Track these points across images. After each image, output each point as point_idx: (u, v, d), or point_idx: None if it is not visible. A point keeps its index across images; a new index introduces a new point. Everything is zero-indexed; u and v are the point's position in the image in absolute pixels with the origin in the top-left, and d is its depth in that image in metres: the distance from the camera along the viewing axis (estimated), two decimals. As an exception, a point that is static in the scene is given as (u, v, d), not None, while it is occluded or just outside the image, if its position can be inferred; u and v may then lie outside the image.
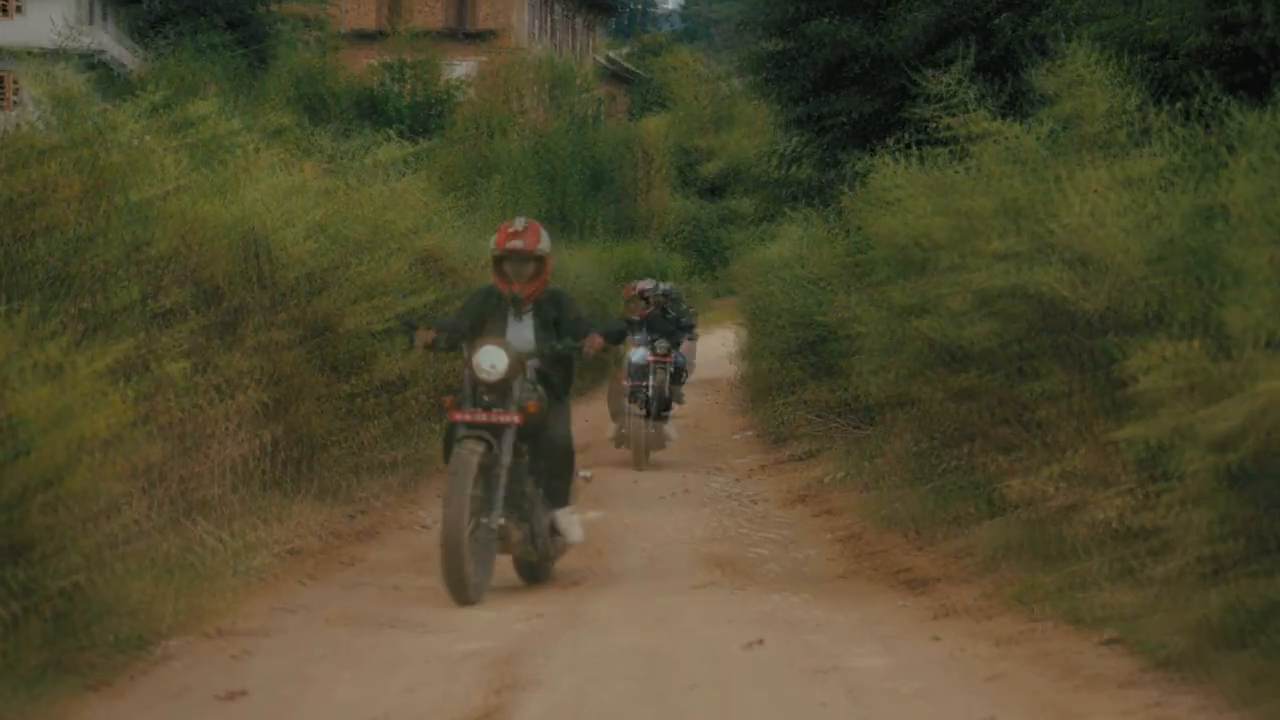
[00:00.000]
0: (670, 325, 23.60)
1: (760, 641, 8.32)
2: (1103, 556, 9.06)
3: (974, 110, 11.71)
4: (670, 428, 22.23)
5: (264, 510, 11.00)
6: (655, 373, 22.38)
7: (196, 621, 8.18)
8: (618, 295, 35.32)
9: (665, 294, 24.70)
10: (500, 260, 11.02)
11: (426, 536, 12.61)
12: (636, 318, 23.47)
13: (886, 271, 13.44)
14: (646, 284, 25.86)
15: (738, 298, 33.28)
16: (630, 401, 22.63)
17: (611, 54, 79.98)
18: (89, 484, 7.21)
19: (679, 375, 23.55)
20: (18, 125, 11.07)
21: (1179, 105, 10.41)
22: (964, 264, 10.86)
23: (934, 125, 12.16)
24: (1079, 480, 9.44)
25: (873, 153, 14.41)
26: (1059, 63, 11.14)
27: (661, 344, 22.81)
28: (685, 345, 25.10)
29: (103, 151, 10.56)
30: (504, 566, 11.08)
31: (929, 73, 12.42)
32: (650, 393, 22.36)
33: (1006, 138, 11.26)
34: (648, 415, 22.12)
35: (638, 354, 22.93)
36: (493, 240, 11.16)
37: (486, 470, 10.21)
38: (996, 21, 20.30)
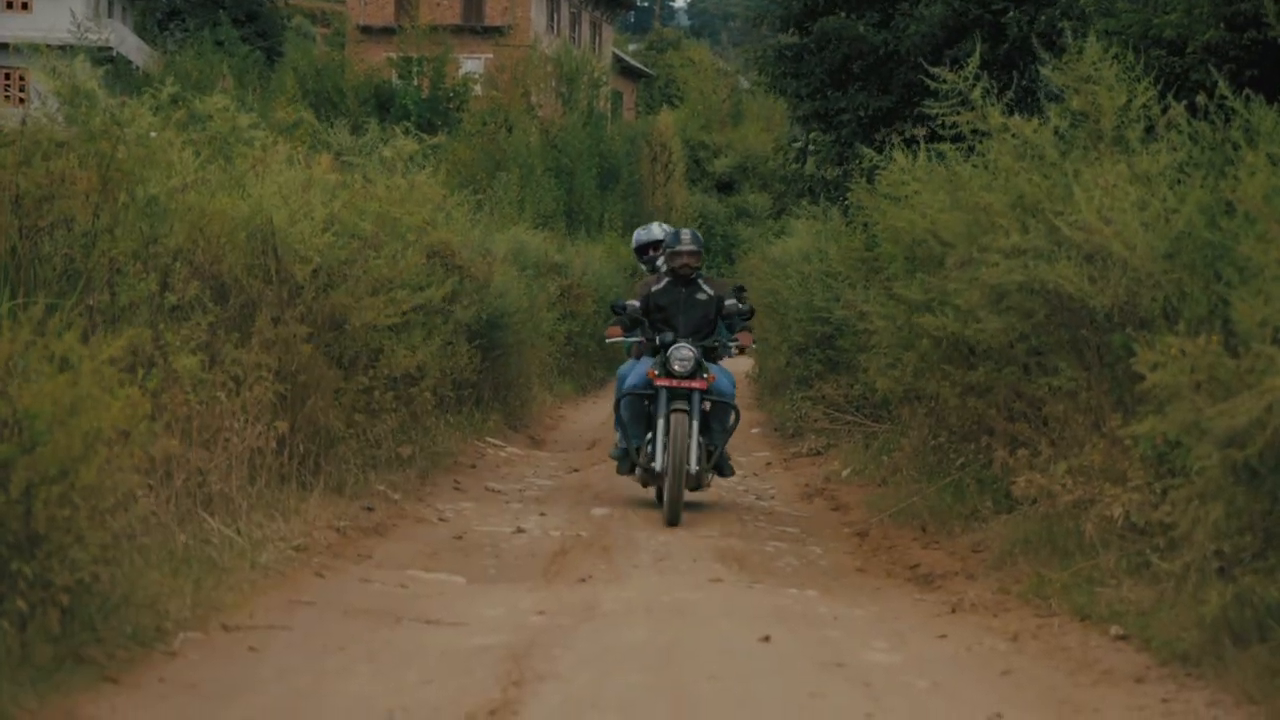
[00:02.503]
0: (705, 311, 13.96)
1: (766, 638, 8.34)
2: (1115, 552, 9.08)
3: (985, 106, 11.73)
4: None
5: (277, 504, 11.01)
6: (670, 417, 13.19)
7: (210, 615, 8.20)
8: (630, 292, 35.18)
9: (696, 249, 13.95)
10: None
11: (441, 530, 12.64)
12: (634, 302, 14.34)
13: (898, 267, 13.46)
14: (654, 230, 16.03)
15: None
16: (620, 470, 14.39)
17: (618, 51, 79.98)
18: (101, 477, 7.22)
19: (720, 418, 13.75)
20: (24, 121, 11.09)
21: (1191, 101, 10.43)
22: (976, 259, 10.88)
23: (945, 121, 12.19)
24: (1091, 475, 9.46)
25: (881, 149, 14.44)
26: (1070, 59, 11.15)
27: (682, 354, 13.29)
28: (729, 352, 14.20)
29: (117, 146, 10.59)
30: (523, 554, 11.08)
31: (940, 69, 12.44)
32: (658, 464, 13.37)
33: (1019, 133, 11.27)
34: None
35: (635, 372, 13.99)
36: None
37: None
38: (1007, 18, 20.36)
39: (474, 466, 17.06)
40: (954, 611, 9.33)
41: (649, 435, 13.64)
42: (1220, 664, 7.26)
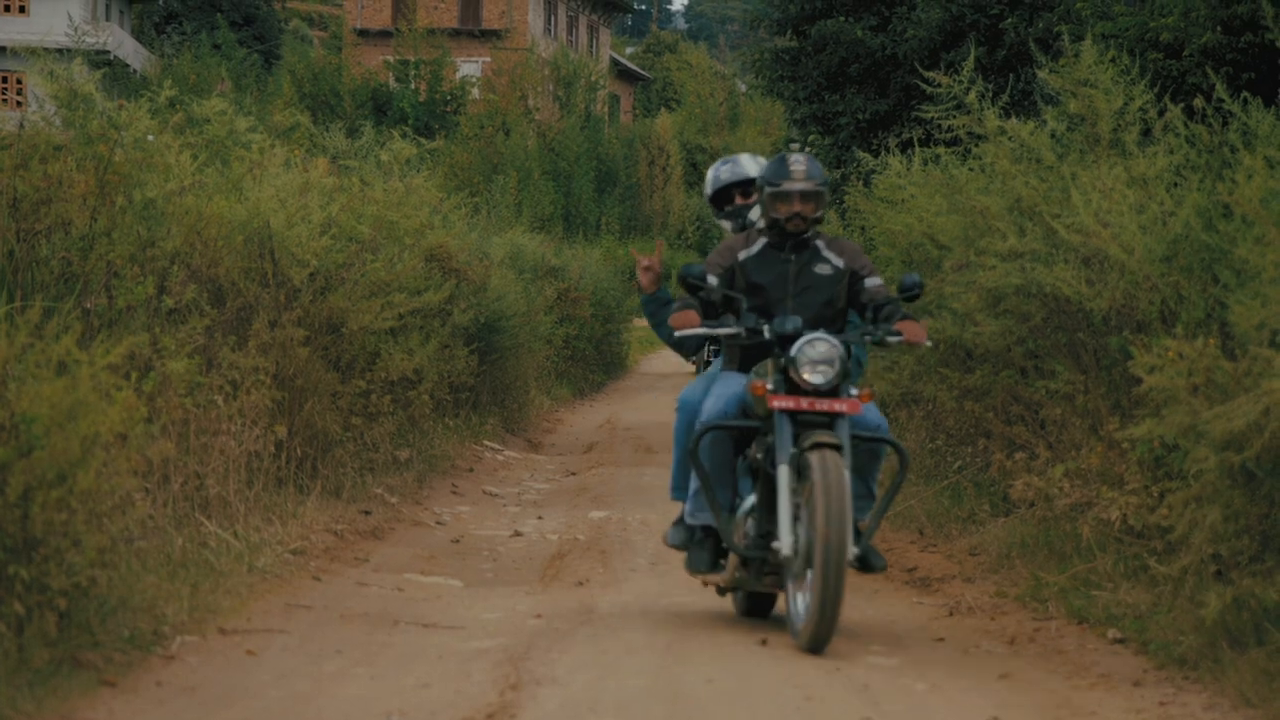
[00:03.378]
0: (829, 294, 8.45)
1: (764, 641, 8.34)
2: (1112, 555, 9.08)
3: (981, 109, 11.73)
4: None
5: (274, 508, 11.01)
6: (808, 457, 7.68)
7: (208, 619, 8.20)
8: (628, 294, 35.07)
9: (815, 186, 8.29)
10: None
11: (438, 534, 12.63)
12: (713, 278, 8.38)
13: (895, 270, 13.46)
14: (744, 164, 9.41)
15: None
16: (693, 566, 8.83)
17: (615, 54, 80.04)
18: (99, 481, 7.22)
19: (868, 470, 8.40)
20: (21, 124, 11.09)
21: (1188, 104, 10.43)
22: (973, 262, 10.88)
23: (942, 124, 12.19)
24: (1089, 479, 9.46)
25: (878, 152, 14.44)
26: (1067, 62, 11.16)
27: (818, 351, 7.85)
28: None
29: (114, 149, 10.59)
30: (513, 559, 11.06)
31: (937, 73, 12.45)
32: (784, 544, 7.92)
33: (1016, 136, 11.27)
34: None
35: (716, 394, 8.47)
36: None
37: None
38: (1005, 23, 20.38)
39: (471, 470, 17.06)
40: (951, 614, 9.32)
41: (748, 501, 8.38)
42: (1218, 667, 7.26)
